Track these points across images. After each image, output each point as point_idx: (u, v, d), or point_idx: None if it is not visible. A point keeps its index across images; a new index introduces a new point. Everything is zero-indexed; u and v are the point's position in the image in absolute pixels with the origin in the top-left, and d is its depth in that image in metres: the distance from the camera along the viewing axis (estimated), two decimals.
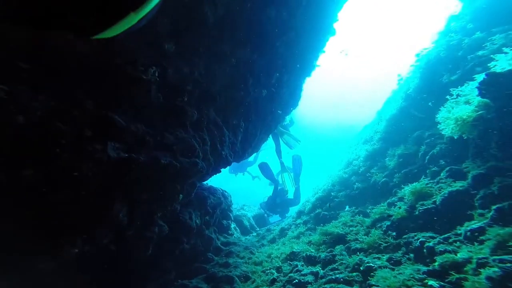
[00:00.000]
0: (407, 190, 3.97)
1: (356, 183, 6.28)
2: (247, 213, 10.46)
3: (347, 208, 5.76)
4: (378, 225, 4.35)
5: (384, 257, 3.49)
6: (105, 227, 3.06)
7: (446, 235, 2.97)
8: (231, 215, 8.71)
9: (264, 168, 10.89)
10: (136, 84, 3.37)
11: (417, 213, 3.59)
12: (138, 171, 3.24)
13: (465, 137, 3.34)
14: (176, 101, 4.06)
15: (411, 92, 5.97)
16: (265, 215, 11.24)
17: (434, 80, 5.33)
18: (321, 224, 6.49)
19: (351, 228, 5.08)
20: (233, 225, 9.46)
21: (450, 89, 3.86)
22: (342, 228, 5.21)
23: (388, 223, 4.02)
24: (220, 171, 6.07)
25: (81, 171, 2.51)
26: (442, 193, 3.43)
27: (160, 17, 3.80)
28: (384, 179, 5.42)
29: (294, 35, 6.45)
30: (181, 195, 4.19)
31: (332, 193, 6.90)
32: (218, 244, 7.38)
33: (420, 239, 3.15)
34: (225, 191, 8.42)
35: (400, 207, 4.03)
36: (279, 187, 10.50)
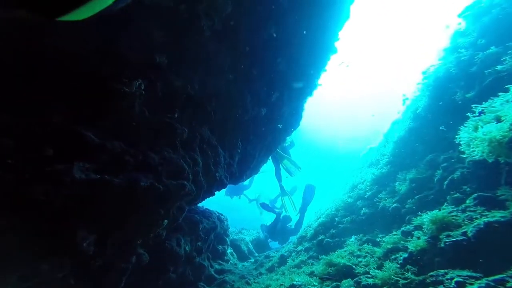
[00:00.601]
0: (426, 218, 3.38)
1: (363, 209, 5.66)
2: (245, 237, 9.71)
3: (353, 238, 5.10)
4: (392, 257, 3.70)
5: None
6: (62, 259, 2.52)
7: (498, 277, 2.33)
8: (227, 239, 8.01)
9: (265, 207, 11.12)
10: (118, 98, 2.98)
11: (442, 245, 2.97)
12: (111, 194, 2.74)
13: (502, 161, 2.81)
14: (165, 117, 3.65)
15: (421, 111, 5.54)
16: (265, 239, 10.45)
17: (445, 98, 4.92)
18: (325, 253, 5.80)
19: (359, 259, 4.41)
20: (229, 250, 8.71)
21: (471, 106, 3.40)
22: (349, 258, 4.54)
23: (405, 255, 3.39)
24: (214, 194, 5.53)
25: (32, 195, 2.03)
26: (475, 224, 2.83)
27: (154, 27, 3.51)
28: (394, 204, 4.83)
29: (295, 53, 6.19)
30: (165, 221, 3.65)
31: (336, 219, 6.25)
32: (211, 272, 6.64)
33: (455, 279, 2.51)
34: (221, 214, 7.79)
35: (419, 237, 3.41)
36: (282, 214, 9.90)
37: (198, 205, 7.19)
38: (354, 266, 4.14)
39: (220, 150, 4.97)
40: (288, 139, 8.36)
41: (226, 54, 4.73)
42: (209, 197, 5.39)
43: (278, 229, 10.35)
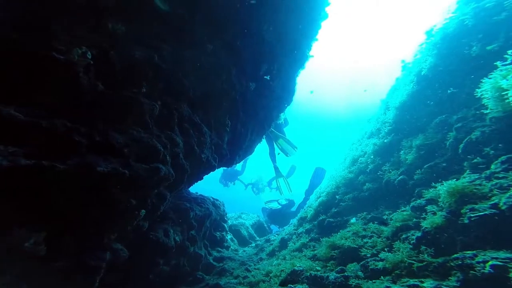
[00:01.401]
0: (441, 190, 2.80)
1: (366, 184, 5.10)
2: (245, 221, 9.27)
3: (353, 219, 4.57)
4: (403, 236, 3.17)
5: (426, 284, 2.31)
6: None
7: None
8: (225, 225, 7.55)
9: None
10: (55, 68, 2.31)
11: (466, 221, 2.41)
12: (56, 182, 2.14)
13: None
14: (128, 92, 2.98)
15: (426, 72, 4.83)
16: (266, 222, 10.06)
17: (456, 54, 4.22)
18: (327, 234, 5.31)
19: (365, 240, 3.90)
20: (229, 236, 8.29)
21: (492, 59, 2.73)
22: (353, 239, 4.03)
23: (419, 234, 2.85)
24: (202, 178, 4.95)
25: None
26: (510, 194, 2.25)
27: None
28: (400, 177, 4.25)
29: (283, 21, 5.40)
30: (142, 211, 3.07)
31: (337, 196, 5.72)
32: (209, 260, 6.21)
33: (490, 262, 1.96)
34: (217, 200, 7.28)
35: (434, 213, 2.85)
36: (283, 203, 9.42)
37: (190, 192, 6.65)
38: (359, 248, 3.63)
39: (205, 129, 4.33)
40: (282, 116, 7.67)
41: (202, 22, 3.98)
42: (196, 181, 4.81)
43: (280, 216, 10.01)
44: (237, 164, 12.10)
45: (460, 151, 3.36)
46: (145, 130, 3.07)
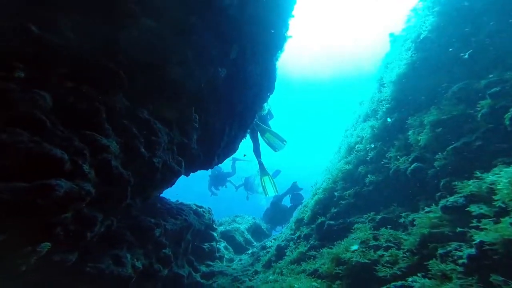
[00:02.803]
0: (502, 181, 1.68)
1: (368, 176, 3.97)
2: (239, 226, 8.14)
3: (356, 247, 3.44)
4: (440, 251, 2.05)
5: None
6: None
7: None
8: (214, 234, 6.41)
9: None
10: None
11: None
12: None
13: None
14: None
15: (428, 35, 3.71)
16: (262, 227, 8.93)
17: (467, 7, 3.11)
18: (328, 240, 4.19)
19: (379, 253, 2.77)
20: (222, 244, 7.15)
21: None
22: (363, 252, 2.90)
23: (472, 251, 1.73)
24: (167, 187, 3.81)
25: None
26: None
27: None
28: (414, 165, 3.11)
29: None
30: (45, 244, 1.92)
31: (336, 193, 4.59)
32: (196, 278, 5.08)
33: None
34: (200, 207, 6.14)
35: (498, 219, 1.73)
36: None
37: (167, 202, 5.50)
38: (373, 265, 2.51)
39: (158, 126, 3.17)
40: (266, 106, 6.51)
41: None
42: (159, 191, 3.66)
43: (279, 213, 9.05)
44: (221, 166, 10.68)
45: (507, 122, 2.22)
46: (35, 132, 1.91)
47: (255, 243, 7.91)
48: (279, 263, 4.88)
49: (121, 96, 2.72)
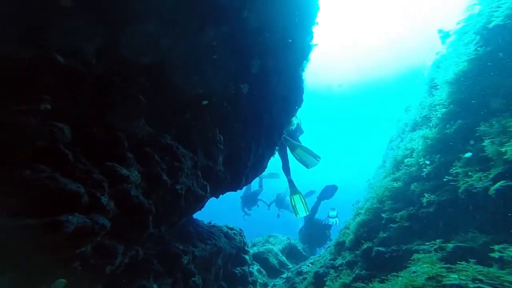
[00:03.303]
0: None
1: (425, 195, 3.25)
2: (273, 247, 7.60)
3: (419, 255, 2.72)
4: None
5: None
6: None
7: None
8: (246, 257, 6.00)
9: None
10: None
11: None
12: None
13: None
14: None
15: (505, 21, 3.00)
16: (298, 248, 8.24)
17: None
18: (378, 270, 3.50)
19: None
20: (255, 268, 6.69)
21: None
22: None
23: None
24: (191, 213, 3.61)
25: None
26: None
27: None
28: (500, 183, 2.38)
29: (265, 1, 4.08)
30: (60, 280, 1.79)
31: (383, 215, 3.88)
32: None
33: None
34: (231, 229, 5.84)
35: None
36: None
37: (198, 223, 5.34)
38: None
39: (181, 151, 3.05)
40: (295, 120, 6.10)
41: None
42: (183, 218, 3.45)
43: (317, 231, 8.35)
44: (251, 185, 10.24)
45: None
46: (55, 166, 1.86)
47: (290, 266, 7.25)
48: None
49: (143, 122, 2.66)
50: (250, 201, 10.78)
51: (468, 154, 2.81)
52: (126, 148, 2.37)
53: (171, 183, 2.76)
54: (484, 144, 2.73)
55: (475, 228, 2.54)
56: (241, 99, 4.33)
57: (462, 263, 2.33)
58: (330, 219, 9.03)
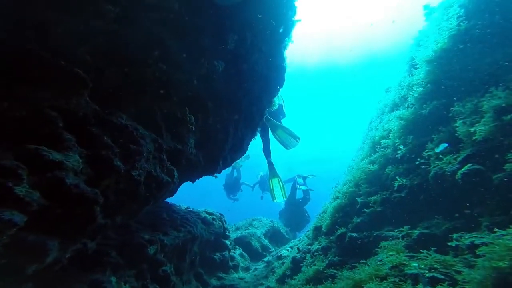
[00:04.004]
0: None
1: (398, 179, 3.12)
2: (256, 231, 7.56)
3: (416, 265, 2.61)
4: None
5: None
6: None
7: None
8: (227, 242, 5.90)
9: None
10: None
11: None
12: None
13: None
14: None
15: None
16: (281, 230, 8.27)
17: None
18: (351, 257, 3.44)
19: None
20: (238, 252, 6.64)
21: None
22: (397, 285, 2.13)
23: None
24: (157, 203, 3.32)
25: None
26: None
27: None
28: (467, 166, 2.24)
29: None
30: None
31: (358, 199, 3.78)
32: None
33: None
34: (211, 214, 5.66)
35: None
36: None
37: (175, 209, 5.10)
38: None
39: (140, 132, 2.69)
40: (277, 101, 5.76)
41: None
42: (155, 204, 3.17)
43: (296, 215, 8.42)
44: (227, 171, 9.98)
45: None
46: None
47: (272, 249, 7.28)
48: (294, 279, 4.20)
49: (85, 99, 2.26)
50: (233, 187, 10.63)
51: (443, 146, 2.65)
52: (60, 127, 2.00)
53: (126, 168, 2.43)
54: (456, 124, 2.56)
55: (440, 214, 2.43)
56: (216, 77, 3.94)
57: (423, 251, 2.24)
58: (299, 187, 9.20)
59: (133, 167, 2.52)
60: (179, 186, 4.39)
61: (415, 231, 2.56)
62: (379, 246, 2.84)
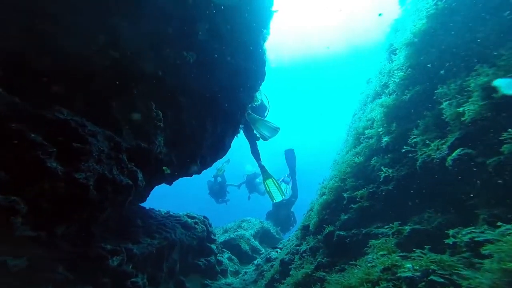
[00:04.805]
0: None
1: (384, 170, 2.79)
2: (245, 232, 7.15)
3: (376, 241, 2.28)
4: None
5: None
6: None
7: None
8: (213, 247, 5.48)
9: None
10: None
11: None
12: None
13: None
14: None
15: None
16: (272, 230, 7.88)
17: None
18: (340, 257, 3.11)
19: None
20: (226, 256, 6.23)
21: None
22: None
23: None
24: (120, 209, 2.89)
25: None
26: None
27: None
28: (458, 151, 1.93)
29: None
30: None
31: (345, 194, 3.43)
32: None
33: None
34: (193, 218, 5.23)
35: None
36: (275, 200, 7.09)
37: (153, 214, 4.65)
38: None
39: (88, 128, 2.27)
40: (259, 96, 5.39)
41: None
42: (96, 220, 2.73)
43: (283, 216, 8.05)
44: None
45: None
46: None
47: (263, 251, 6.88)
48: (283, 283, 3.83)
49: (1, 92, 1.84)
50: (218, 193, 10.22)
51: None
52: None
53: (67, 170, 2.01)
54: (442, 106, 2.25)
55: (431, 207, 2.11)
56: (187, 70, 3.55)
57: (417, 250, 1.90)
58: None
59: (77, 169, 2.10)
60: (151, 189, 3.97)
61: (406, 227, 2.23)
62: (369, 245, 2.49)
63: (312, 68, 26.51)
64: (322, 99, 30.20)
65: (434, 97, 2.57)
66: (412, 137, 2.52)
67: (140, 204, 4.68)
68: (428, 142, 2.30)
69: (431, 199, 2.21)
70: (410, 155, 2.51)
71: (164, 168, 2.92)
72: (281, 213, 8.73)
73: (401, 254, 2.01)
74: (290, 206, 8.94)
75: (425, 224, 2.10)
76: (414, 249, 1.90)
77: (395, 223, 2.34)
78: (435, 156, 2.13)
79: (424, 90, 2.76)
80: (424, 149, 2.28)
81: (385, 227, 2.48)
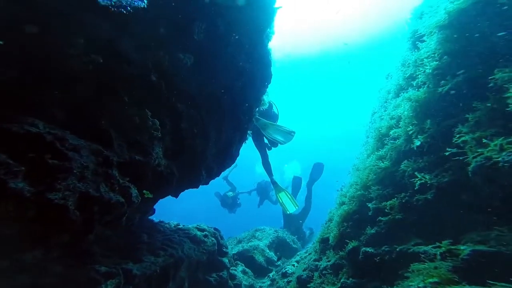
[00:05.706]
0: None
1: (418, 175, 2.20)
2: (259, 243, 6.62)
3: (417, 265, 1.69)
4: None
5: None
6: None
7: None
8: (225, 260, 5.02)
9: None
10: None
11: None
12: None
13: None
14: None
15: None
16: (288, 240, 7.27)
17: None
18: (370, 282, 2.52)
19: None
20: (240, 269, 5.73)
21: None
22: None
23: None
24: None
25: None
26: None
27: None
28: None
29: None
30: None
31: (370, 204, 2.83)
32: None
33: None
34: (202, 230, 4.82)
35: None
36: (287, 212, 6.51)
37: (163, 227, 4.31)
38: None
39: (69, 142, 1.96)
40: (266, 99, 4.94)
41: None
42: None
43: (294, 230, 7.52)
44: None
45: None
46: None
47: (279, 263, 6.29)
48: None
49: None
50: (231, 204, 9.83)
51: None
52: None
53: (37, 191, 1.68)
54: (507, 95, 1.65)
55: (495, 223, 1.51)
56: (184, 73, 3.22)
57: (490, 282, 1.30)
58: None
59: (51, 189, 1.76)
60: (154, 203, 3.63)
61: (462, 247, 1.63)
62: (409, 269, 1.90)
63: (323, 63, 23.65)
64: (333, 95, 27.37)
65: (490, 85, 1.96)
66: (458, 135, 1.92)
67: (150, 217, 4.38)
68: (485, 141, 1.70)
69: (497, 213, 1.60)
70: (455, 157, 1.91)
71: (144, 192, 2.56)
72: (292, 225, 8.16)
73: (465, 286, 1.42)
74: (300, 219, 8.33)
75: (493, 243, 1.50)
76: (488, 281, 1.31)
77: (444, 241, 1.74)
78: (497, 158, 1.54)
79: (469, 78, 2.15)
80: (479, 149, 1.69)
81: (430, 246, 1.88)
